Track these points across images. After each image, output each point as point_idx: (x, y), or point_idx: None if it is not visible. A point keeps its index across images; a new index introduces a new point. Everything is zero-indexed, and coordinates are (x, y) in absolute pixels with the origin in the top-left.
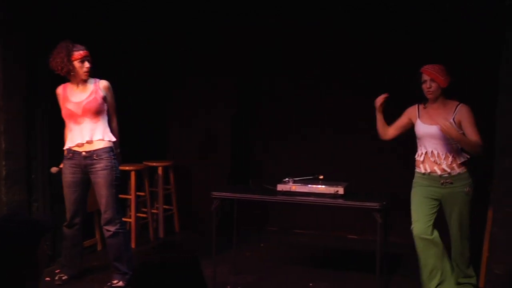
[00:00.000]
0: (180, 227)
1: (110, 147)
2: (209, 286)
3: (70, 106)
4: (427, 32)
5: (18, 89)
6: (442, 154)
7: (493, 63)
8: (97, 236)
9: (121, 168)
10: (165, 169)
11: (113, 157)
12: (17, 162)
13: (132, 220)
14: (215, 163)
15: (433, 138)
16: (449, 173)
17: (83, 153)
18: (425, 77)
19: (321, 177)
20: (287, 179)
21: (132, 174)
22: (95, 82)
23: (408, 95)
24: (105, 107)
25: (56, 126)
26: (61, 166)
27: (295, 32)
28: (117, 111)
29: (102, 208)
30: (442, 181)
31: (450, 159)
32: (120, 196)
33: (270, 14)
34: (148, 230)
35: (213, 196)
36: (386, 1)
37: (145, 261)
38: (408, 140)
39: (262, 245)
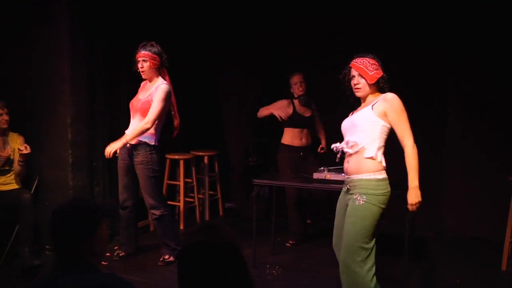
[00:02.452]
0: (224, 211)
1: (146, 143)
2: (249, 266)
3: (133, 100)
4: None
5: (82, 85)
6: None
7: None
8: (150, 217)
9: (171, 157)
10: (210, 158)
11: (148, 152)
12: (81, 151)
13: (181, 204)
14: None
15: (349, 127)
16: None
17: (128, 145)
18: (353, 72)
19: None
20: (322, 168)
21: (181, 162)
22: (157, 85)
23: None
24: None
25: (114, 118)
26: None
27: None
28: (153, 113)
29: (144, 196)
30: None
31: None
32: (170, 182)
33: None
34: (195, 213)
35: (254, 183)
36: None
37: (190, 241)
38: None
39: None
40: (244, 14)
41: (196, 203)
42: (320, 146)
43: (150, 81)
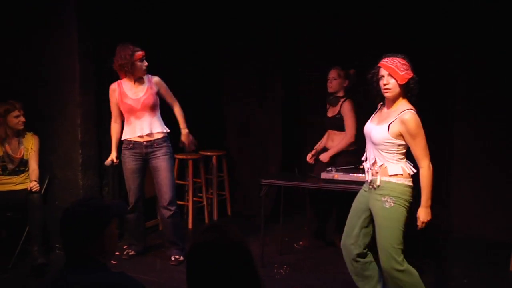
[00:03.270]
0: (232, 211)
1: (167, 136)
2: (257, 265)
3: (129, 102)
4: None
5: (91, 86)
6: (373, 158)
7: None
8: (159, 217)
9: (179, 157)
10: (218, 158)
11: (169, 143)
12: (91, 151)
13: (189, 204)
14: (266, 153)
15: (368, 138)
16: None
17: (144, 142)
18: (382, 71)
19: (362, 166)
20: (330, 168)
21: (190, 162)
22: (149, 79)
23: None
24: (158, 101)
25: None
26: (111, 158)
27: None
28: (174, 97)
29: (164, 189)
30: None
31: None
32: (179, 182)
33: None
34: (204, 213)
35: (262, 183)
36: None
37: (199, 241)
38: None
39: (306, 228)
40: (245, 14)
41: (205, 202)
42: (312, 153)
43: (139, 78)
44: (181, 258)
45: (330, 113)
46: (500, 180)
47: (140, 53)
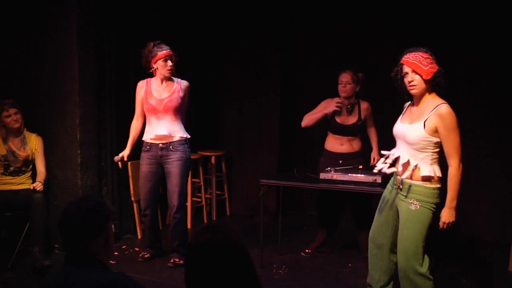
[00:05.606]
0: (231, 211)
1: (185, 140)
2: (256, 266)
3: (152, 102)
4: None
5: (91, 86)
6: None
7: None
8: (159, 218)
9: None
10: (217, 158)
11: (187, 147)
12: (90, 151)
13: (188, 204)
14: (264, 153)
15: (401, 139)
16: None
17: (160, 144)
18: (406, 68)
19: (361, 167)
20: (329, 168)
21: None
22: (178, 82)
23: None
24: (183, 106)
25: (122, 119)
26: (122, 155)
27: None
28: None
29: (173, 196)
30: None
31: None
32: None
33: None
34: (203, 213)
35: (261, 183)
36: None
37: (198, 241)
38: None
39: (304, 228)
40: (245, 14)
41: (203, 203)
42: (372, 157)
43: (169, 79)
44: (181, 261)
45: (347, 121)
46: (500, 180)
47: (162, 53)
